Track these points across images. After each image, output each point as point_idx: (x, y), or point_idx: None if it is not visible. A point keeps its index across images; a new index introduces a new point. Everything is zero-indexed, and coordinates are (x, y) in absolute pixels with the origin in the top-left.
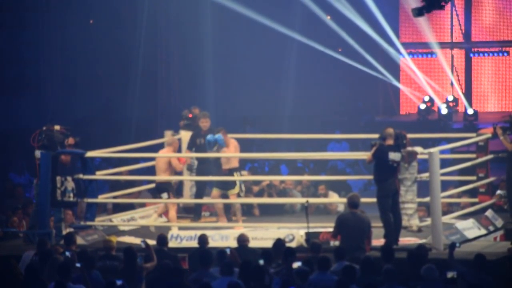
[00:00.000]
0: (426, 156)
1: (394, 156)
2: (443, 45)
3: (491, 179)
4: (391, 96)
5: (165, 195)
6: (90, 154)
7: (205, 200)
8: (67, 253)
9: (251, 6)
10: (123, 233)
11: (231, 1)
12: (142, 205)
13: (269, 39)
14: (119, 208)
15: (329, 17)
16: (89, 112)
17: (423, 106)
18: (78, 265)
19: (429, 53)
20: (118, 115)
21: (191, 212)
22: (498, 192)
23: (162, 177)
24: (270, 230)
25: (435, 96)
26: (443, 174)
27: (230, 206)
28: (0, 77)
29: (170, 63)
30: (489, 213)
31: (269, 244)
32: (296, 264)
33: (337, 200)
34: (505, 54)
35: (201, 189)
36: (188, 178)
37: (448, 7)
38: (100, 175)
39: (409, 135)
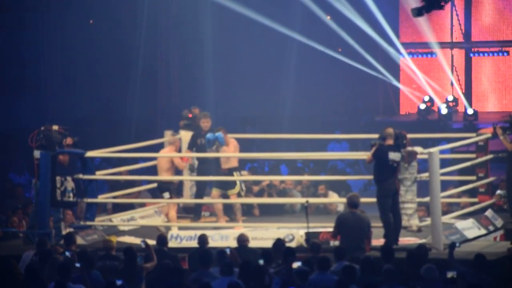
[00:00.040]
0: (426, 156)
1: (394, 156)
2: (443, 45)
3: (491, 179)
4: (391, 96)
5: (166, 194)
6: (90, 154)
7: (205, 200)
8: (67, 253)
9: (251, 6)
10: (123, 233)
11: (231, 1)
12: (142, 205)
13: (269, 39)
14: (119, 208)
15: (329, 17)
16: (89, 112)
17: (423, 106)
18: (77, 265)
19: (429, 53)
20: (118, 115)
21: (191, 212)
22: (498, 192)
23: (162, 177)
24: (270, 230)
25: (435, 96)
26: (443, 174)
27: (230, 206)
28: (0, 77)
29: (170, 63)
30: (489, 213)
31: (269, 244)
32: (296, 264)
33: (337, 200)
34: (505, 54)
35: (202, 189)
36: (188, 178)
37: (448, 7)
38: (99, 175)
39: (409, 135)
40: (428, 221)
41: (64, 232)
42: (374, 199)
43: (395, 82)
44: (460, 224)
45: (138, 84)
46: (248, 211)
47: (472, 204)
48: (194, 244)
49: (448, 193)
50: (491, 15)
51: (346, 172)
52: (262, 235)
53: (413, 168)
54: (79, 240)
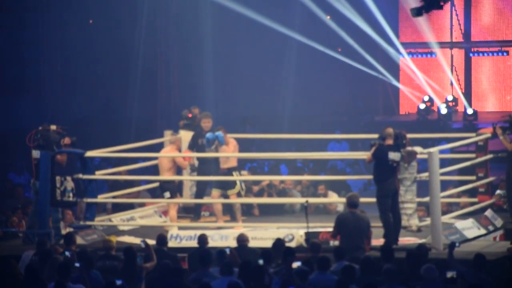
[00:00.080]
0: (425, 156)
1: (393, 156)
2: (442, 44)
3: (490, 179)
4: (390, 96)
5: (167, 194)
6: (89, 154)
7: (205, 200)
8: (67, 253)
9: (251, 6)
10: (123, 233)
11: (231, 1)
12: (142, 205)
13: (269, 39)
14: (118, 208)
15: (328, 17)
16: (89, 112)
17: (422, 106)
18: (77, 264)
19: (428, 53)
20: (118, 115)
21: (191, 212)
22: (498, 192)
23: (162, 177)
24: (270, 230)
25: (435, 96)
26: (442, 174)
27: (230, 206)
28: (0, 77)
29: (170, 63)
30: (488, 213)
31: (268, 244)
32: (296, 264)
33: (336, 200)
34: (505, 53)
35: (202, 190)
36: (188, 178)
37: (447, 6)
38: (99, 175)
39: (409, 135)
40: (427, 221)
41: (64, 232)
42: (374, 199)
43: (394, 82)
44: (460, 224)
45: (138, 84)
46: (248, 211)
47: (472, 204)
48: (194, 244)
49: (448, 193)
50: (490, 15)
51: (346, 172)
52: (262, 235)
53: (413, 168)
54: (79, 240)
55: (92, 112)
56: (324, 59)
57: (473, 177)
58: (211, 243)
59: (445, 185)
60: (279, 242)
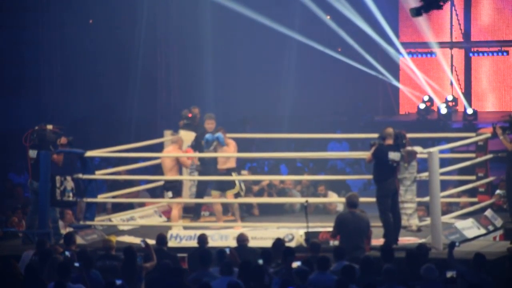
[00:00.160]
0: (425, 156)
1: (393, 155)
2: (442, 44)
3: (490, 178)
4: (390, 96)
5: (169, 193)
6: (89, 154)
7: (205, 200)
8: (67, 253)
9: (251, 6)
10: (123, 232)
11: (231, 1)
12: (142, 204)
13: (269, 39)
14: (118, 207)
15: (328, 17)
16: (89, 112)
17: (422, 106)
18: (76, 264)
19: (428, 53)
20: (118, 115)
21: (191, 212)
22: (498, 191)
23: (162, 177)
24: (270, 230)
25: (435, 95)
26: (442, 174)
27: (230, 206)
28: (0, 77)
29: (170, 63)
30: (488, 212)
31: (268, 243)
32: (296, 264)
33: (336, 200)
34: (505, 53)
35: (202, 190)
36: (188, 178)
37: (447, 6)
38: (99, 174)
39: (409, 135)
40: (427, 220)
41: (63, 232)
42: (373, 199)
43: (394, 82)
44: (460, 224)
45: (138, 84)
46: (247, 211)
47: (472, 203)
48: (193, 243)
49: (448, 192)
50: (490, 15)
51: (346, 172)
52: (262, 235)
53: (413, 167)
54: (79, 240)
55: (92, 112)
56: (324, 59)
57: (473, 177)
58: (211, 243)
59: (445, 185)
60: (279, 242)
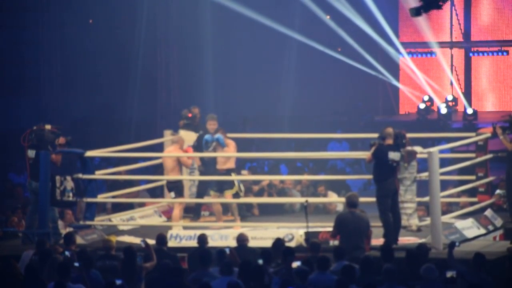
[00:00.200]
0: (425, 156)
1: (393, 155)
2: (442, 44)
3: (490, 178)
4: (390, 96)
5: (172, 194)
6: (89, 153)
7: (205, 199)
8: (67, 253)
9: (251, 6)
10: (123, 232)
11: (231, 1)
12: (141, 204)
13: (269, 39)
14: (118, 207)
15: (328, 17)
16: (89, 112)
17: (422, 106)
18: (76, 264)
19: (428, 53)
20: (118, 115)
21: (191, 212)
22: (498, 191)
23: (162, 176)
24: (270, 230)
25: (435, 95)
26: (442, 174)
27: (229, 206)
28: (0, 77)
29: (170, 63)
30: (488, 212)
31: (268, 243)
32: (296, 264)
33: (336, 200)
34: (505, 53)
35: (203, 190)
36: (188, 178)
37: (447, 6)
38: (99, 174)
39: (409, 135)
40: (427, 220)
41: (63, 232)
42: (373, 199)
43: (394, 82)
44: (460, 224)
45: (138, 84)
46: (247, 211)
47: (472, 203)
48: (193, 243)
49: (448, 192)
50: (490, 15)
51: (346, 172)
52: (262, 235)
53: (413, 167)
54: (79, 240)
55: (92, 112)
56: (324, 59)
57: (473, 177)
58: (211, 243)
59: (445, 185)
60: (278, 242)
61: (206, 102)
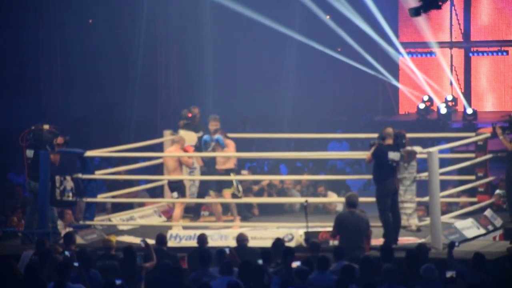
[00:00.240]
0: (425, 156)
1: (393, 155)
2: (442, 44)
3: (490, 178)
4: (390, 96)
5: (175, 194)
6: (89, 153)
7: (205, 200)
8: (67, 253)
9: (251, 6)
10: (122, 232)
11: (231, 1)
12: (141, 204)
13: (269, 39)
14: (118, 207)
15: (328, 17)
16: (89, 112)
17: (422, 106)
18: (76, 264)
19: (428, 53)
20: (118, 115)
21: (191, 212)
22: (497, 191)
23: (162, 176)
24: (269, 230)
25: (434, 95)
26: (442, 174)
27: (228, 204)
28: (0, 77)
29: (170, 63)
30: (488, 212)
31: (268, 243)
32: (295, 264)
33: (336, 200)
34: (504, 53)
35: (205, 191)
36: (187, 178)
37: (447, 6)
38: (98, 174)
39: (408, 135)
40: (427, 220)
41: (63, 232)
42: (373, 199)
43: (394, 82)
44: (460, 224)
45: (138, 84)
46: (247, 211)
47: (472, 203)
48: (193, 243)
49: (448, 192)
50: (490, 15)
51: (346, 172)
52: (262, 235)
53: (413, 167)
54: (79, 240)
55: (92, 112)
56: (324, 59)
57: (473, 177)
58: (211, 243)
59: (444, 185)
60: (278, 242)
61: (206, 102)
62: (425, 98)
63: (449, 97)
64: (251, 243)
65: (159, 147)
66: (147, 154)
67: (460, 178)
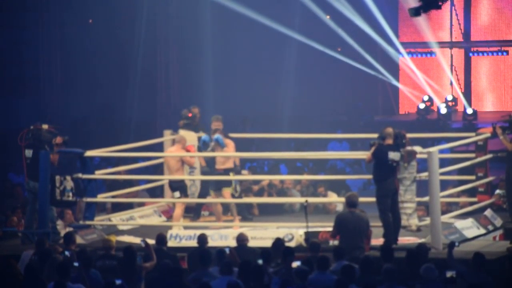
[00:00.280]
0: (425, 156)
1: (393, 155)
2: (442, 44)
3: (490, 178)
4: (390, 96)
5: (177, 194)
6: (89, 153)
7: (206, 200)
8: (67, 253)
9: (251, 6)
10: (122, 232)
11: (231, 1)
12: (141, 204)
13: (269, 39)
14: (118, 207)
15: (328, 17)
16: (89, 112)
17: (422, 106)
18: (76, 264)
19: (428, 53)
20: (118, 115)
21: (191, 212)
22: (497, 191)
23: (162, 176)
24: (269, 230)
25: (434, 95)
26: (442, 174)
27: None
28: (0, 77)
29: (170, 63)
30: (488, 212)
31: (268, 243)
32: (295, 264)
33: (336, 200)
34: (504, 53)
35: (205, 191)
36: (187, 178)
37: (447, 6)
38: (98, 174)
39: (409, 135)
40: (427, 220)
41: (63, 232)
42: (373, 199)
43: (394, 82)
44: (460, 224)
45: (138, 84)
46: (247, 211)
47: (472, 203)
48: (193, 243)
49: (448, 192)
50: (490, 15)
51: (346, 172)
52: (262, 235)
53: (413, 167)
54: (79, 240)
55: (92, 112)
56: (324, 59)
57: (473, 177)
58: (211, 243)
59: (444, 185)
60: (278, 242)
61: (206, 102)
62: (425, 98)
63: (449, 97)
64: (251, 243)
65: (159, 147)
66: (147, 154)
67: (460, 178)
